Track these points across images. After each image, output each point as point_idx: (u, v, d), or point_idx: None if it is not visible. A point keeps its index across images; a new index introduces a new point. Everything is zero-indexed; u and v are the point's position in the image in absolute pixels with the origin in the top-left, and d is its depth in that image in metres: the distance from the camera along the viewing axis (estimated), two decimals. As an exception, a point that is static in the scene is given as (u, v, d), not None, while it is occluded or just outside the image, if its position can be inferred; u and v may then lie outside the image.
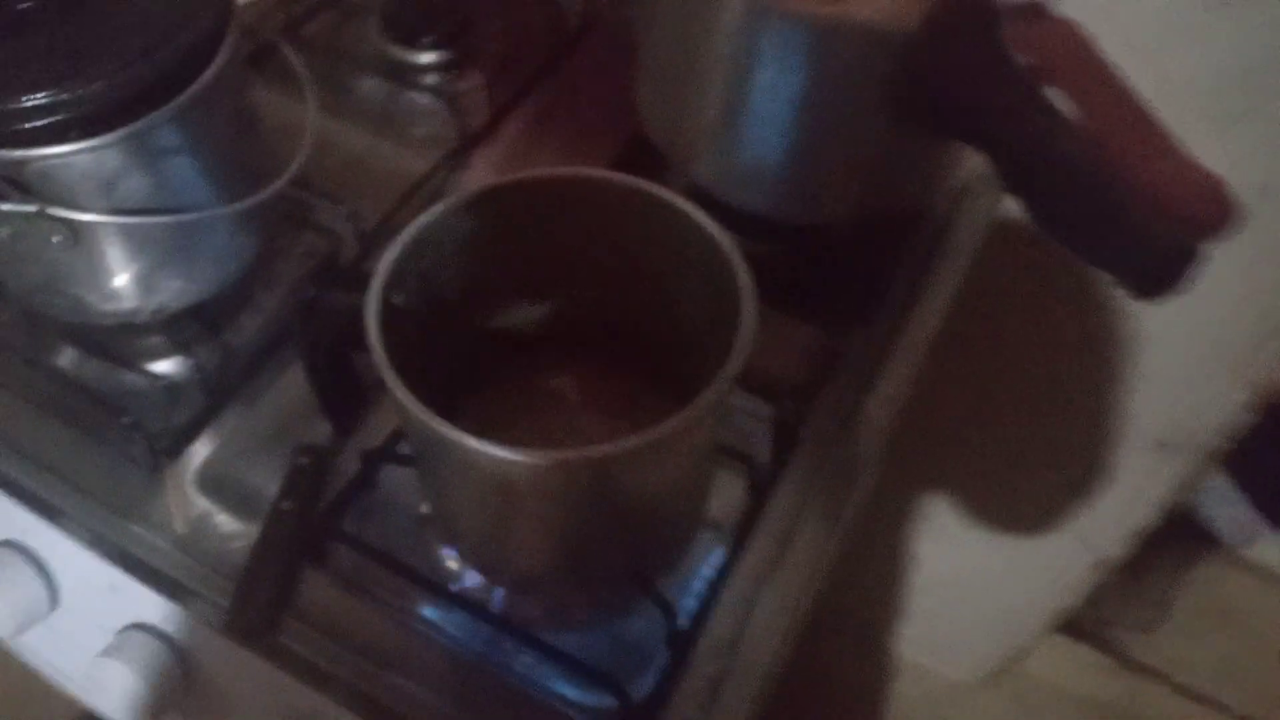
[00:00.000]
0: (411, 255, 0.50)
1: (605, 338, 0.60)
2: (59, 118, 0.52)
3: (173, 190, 0.59)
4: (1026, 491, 1.22)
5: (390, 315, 0.48)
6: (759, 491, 0.61)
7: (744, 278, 0.50)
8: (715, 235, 0.52)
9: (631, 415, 0.56)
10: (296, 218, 0.73)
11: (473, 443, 0.44)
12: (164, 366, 0.66)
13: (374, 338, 0.47)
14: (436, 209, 0.52)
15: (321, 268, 0.71)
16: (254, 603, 0.55)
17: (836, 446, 0.64)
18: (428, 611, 0.58)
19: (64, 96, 0.51)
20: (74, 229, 0.56)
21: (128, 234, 0.58)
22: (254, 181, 0.63)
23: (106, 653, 0.60)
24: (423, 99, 0.83)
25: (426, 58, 0.84)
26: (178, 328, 0.66)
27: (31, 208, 0.53)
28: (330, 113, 0.81)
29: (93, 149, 0.53)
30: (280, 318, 0.69)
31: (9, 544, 0.64)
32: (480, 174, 0.78)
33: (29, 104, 0.51)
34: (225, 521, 0.61)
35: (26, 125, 0.51)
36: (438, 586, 0.58)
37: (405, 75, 0.84)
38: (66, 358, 0.67)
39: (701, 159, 0.68)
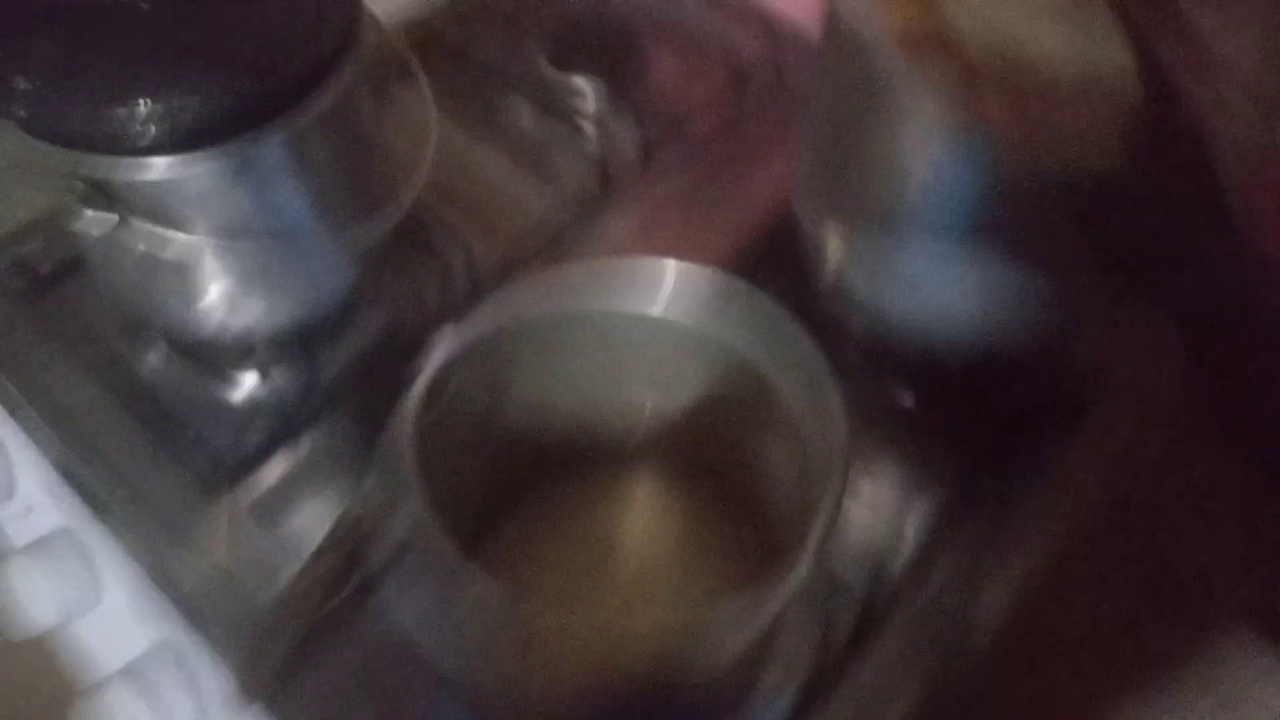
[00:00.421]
0: (452, 371, 0.45)
1: (666, 452, 0.54)
2: (151, 128, 0.49)
3: (269, 212, 0.55)
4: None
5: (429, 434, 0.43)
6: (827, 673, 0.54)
7: (840, 410, 0.43)
8: (815, 354, 0.45)
9: (692, 543, 0.50)
10: (412, 239, 0.70)
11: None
12: (248, 384, 0.63)
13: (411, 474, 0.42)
14: (481, 320, 0.46)
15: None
16: (264, 660, 0.52)
17: (937, 643, 0.56)
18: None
19: (157, 107, 0.48)
20: (160, 241, 0.53)
21: (216, 253, 0.55)
22: (363, 206, 0.60)
23: (124, 673, 0.57)
24: (570, 130, 0.78)
25: (582, 85, 0.80)
26: (266, 348, 0.63)
27: (113, 216, 0.51)
28: (470, 131, 0.78)
29: (184, 164, 0.50)
30: (374, 350, 0.65)
31: (65, 532, 0.63)
32: (615, 226, 0.73)
33: (119, 110, 0.48)
34: (270, 558, 0.58)
35: (115, 132, 0.49)
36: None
37: (557, 101, 0.80)
38: (155, 356, 0.65)
39: (856, 267, 0.61)
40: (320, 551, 0.53)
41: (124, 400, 0.62)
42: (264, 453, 0.61)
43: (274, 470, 0.61)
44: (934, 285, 0.58)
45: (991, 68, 0.48)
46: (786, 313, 0.46)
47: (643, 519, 0.54)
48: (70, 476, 0.61)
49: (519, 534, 0.52)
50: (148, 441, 0.61)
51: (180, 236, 0.53)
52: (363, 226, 0.60)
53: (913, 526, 0.59)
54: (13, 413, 0.63)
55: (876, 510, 0.59)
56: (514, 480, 0.52)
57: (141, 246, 0.53)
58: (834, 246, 0.61)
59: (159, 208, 0.52)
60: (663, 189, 0.76)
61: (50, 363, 0.63)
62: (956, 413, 0.64)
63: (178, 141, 0.50)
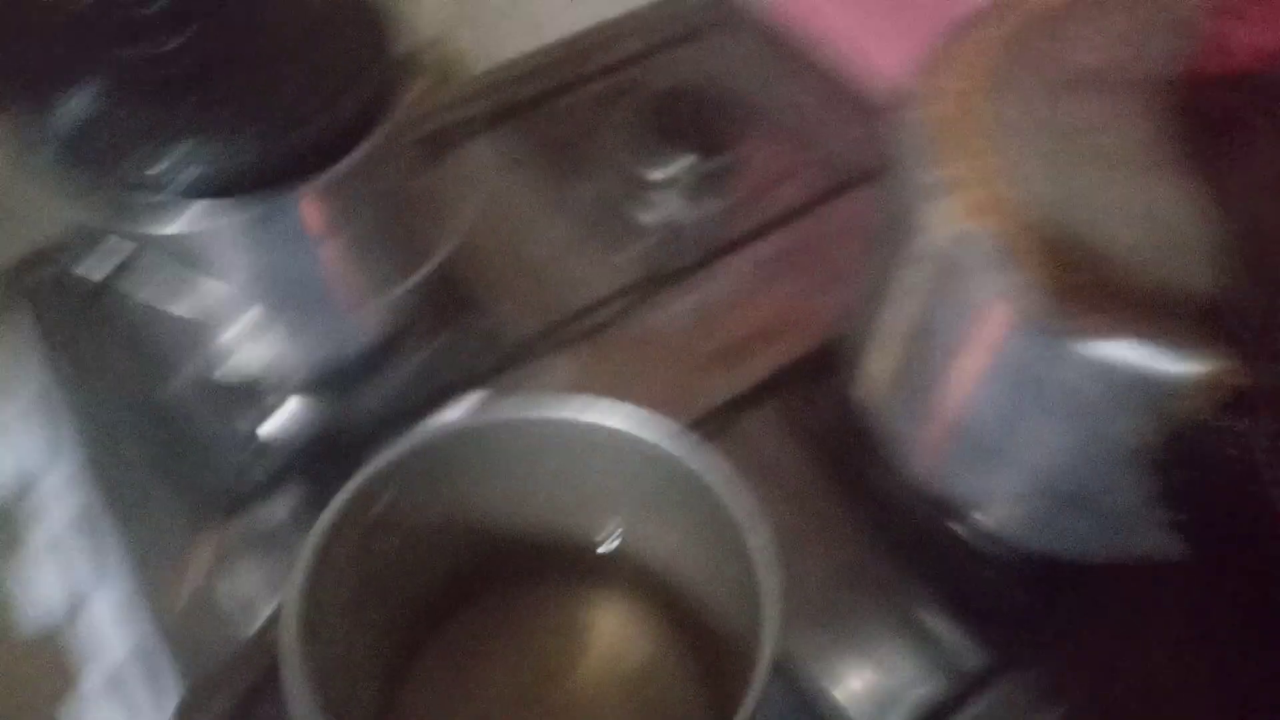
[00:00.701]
0: (386, 482, 0.45)
1: (618, 574, 0.52)
2: (180, 174, 0.50)
3: (293, 267, 0.56)
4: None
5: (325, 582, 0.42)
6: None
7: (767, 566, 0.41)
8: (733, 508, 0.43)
9: (637, 671, 0.49)
10: (453, 294, 0.70)
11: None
12: (265, 421, 0.64)
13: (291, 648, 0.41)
14: (408, 445, 0.45)
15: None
16: (207, 703, 0.53)
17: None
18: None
19: (188, 158, 0.50)
20: (181, 280, 0.55)
21: (239, 300, 0.57)
22: (393, 268, 0.60)
23: (106, 677, 0.59)
24: (643, 210, 0.77)
25: (665, 166, 0.78)
26: (286, 388, 0.64)
27: (136, 246, 0.52)
28: (541, 195, 0.78)
29: (209, 212, 0.52)
30: (394, 403, 0.66)
31: (75, 530, 0.66)
32: (666, 318, 0.72)
33: (150, 153, 0.49)
34: (248, 595, 0.59)
35: (145, 174, 0.50)
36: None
37: (635, 178, 0.79)
38: (183, 378, 0.67)
39: (925, 454, 0.58)
40: (270, 621, 0.54)
41: (148, 414, 0.65)
42: (265, 491, 0.62)
43: (272, 510, 0.62)
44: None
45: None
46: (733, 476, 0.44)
47: (589, 639, 0.53)
48: (88, 477, 0.63)
49: (455, 649, 0.51)
50: (160, 459, 0.63)
51: (202, 280, 0.54)
52: (391, 289, 0.60)
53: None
54: (49, 406, 0.66)
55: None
56: (458, 589, 0.51)
57: (163, 280, 0.55)
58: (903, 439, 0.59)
59: (183, 249, 0.54)
60: (725, 286, 0.74)
61: (88, 368, 0.66)
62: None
63: (204, 189, 0.51)
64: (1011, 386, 0.49)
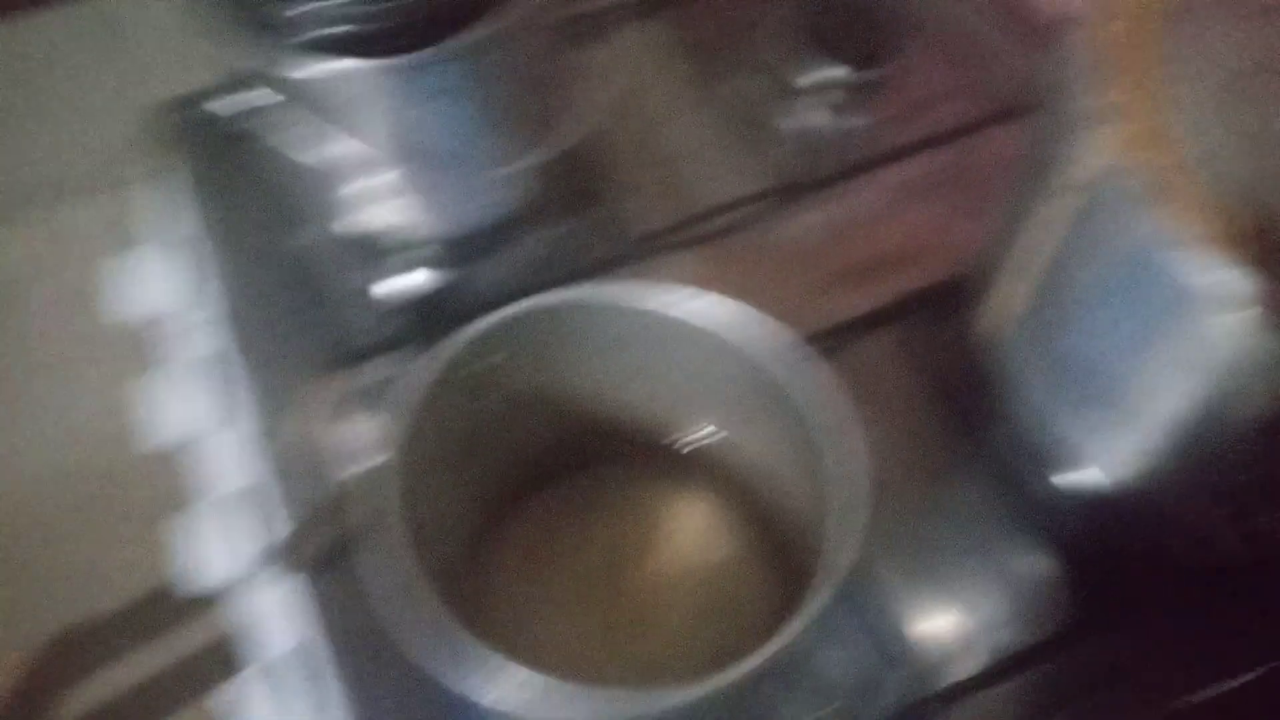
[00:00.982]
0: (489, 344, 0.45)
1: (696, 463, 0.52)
2: (328, 28, 0.51)
3: (430, 129, 0.57)
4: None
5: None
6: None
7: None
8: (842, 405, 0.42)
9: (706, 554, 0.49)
10: (588, 177, 0.70)
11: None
12: (390, 280, 0.66)
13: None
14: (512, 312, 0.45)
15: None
16: (309, 539, 0.55)
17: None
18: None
19: (334, 12, 0.50)
20: (319, 134, 0.56)
21: (373, 157, 0.57)
22: (526, 139, 0.60)
23: (214, 503, 0.62)
24: (789, 116, 0.75)
25: (820, 74, 0.76)
26: (414, 251, 0.65)
27: (279, 95, 0.53)
28: (692, 89, 0.76)
29: (352, 67, 0.52)
30: (518, 277, 0.66)
31: (209, 360, 0.69)
32: (794, 228, 0.70)
33: (299, 9, 0.50)
34: (359, 445, 0.60)
35: (286, 28, 0.51)
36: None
37: (778, 89, 0.76)
38: (320, 228, 0.68)
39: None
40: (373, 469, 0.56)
41: (283, 260, 0.67)
42: (383, 347, 0.64)
43: (387, 366, 0.63)
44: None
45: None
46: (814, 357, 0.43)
47: (668, 532, 0.53)
48: (221, 317, 0.66)
49: (539, 522, 0.52)
50: (291, 303, 0.65)
51: (339, 134, 0.55)
52: (522, 163, 0.60)
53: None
54: (198, 245, 0.69)
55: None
56: (549, 464, 0.52)
57: (303, 131, 0.56)
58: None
59: (324, 101, 0.54)
60: (861, 204, 0.72)
61: (231, 212, 0.69)
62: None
63: (348, 45, 0.51)
64: (1147, 337, 0.47)
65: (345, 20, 0.51)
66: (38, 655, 1.21)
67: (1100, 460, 0.55)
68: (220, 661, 0.68)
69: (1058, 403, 0.55)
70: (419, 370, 0.43)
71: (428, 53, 0.53)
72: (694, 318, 0.45)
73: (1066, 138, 0.47)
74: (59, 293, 1.44)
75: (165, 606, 1.21)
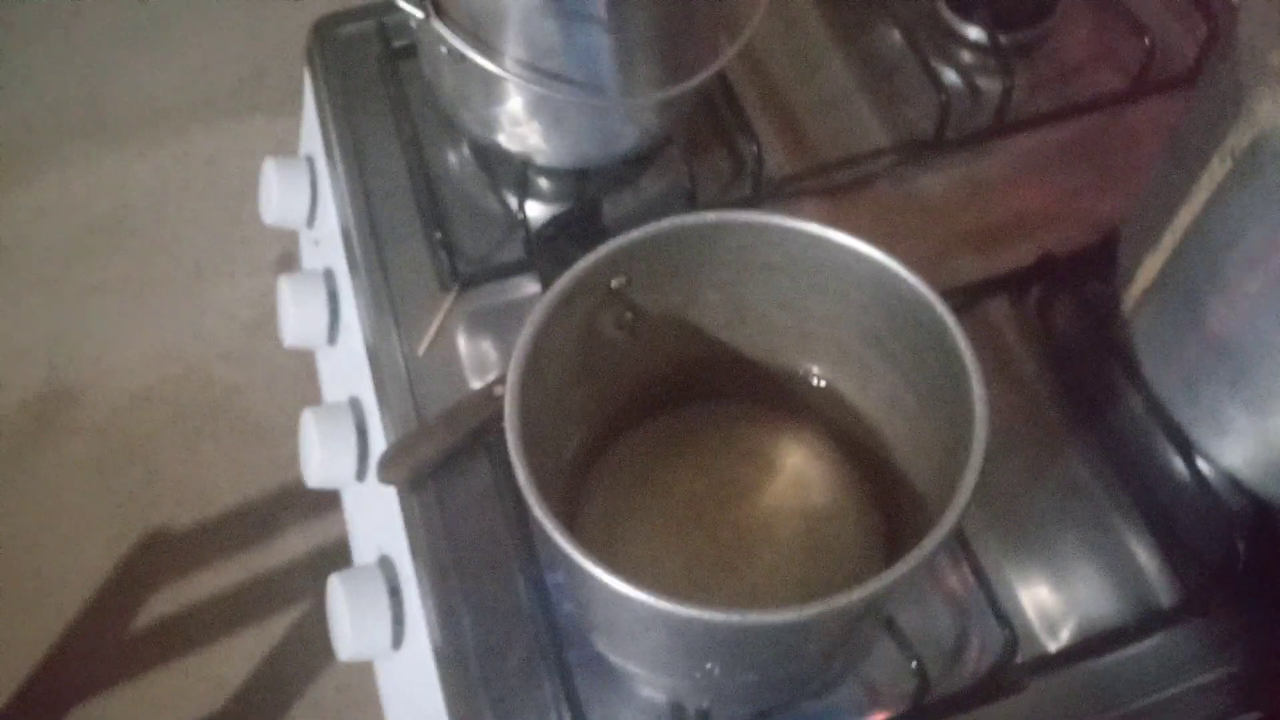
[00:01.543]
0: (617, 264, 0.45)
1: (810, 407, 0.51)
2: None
3: (572, 54, 0.56)
4: None
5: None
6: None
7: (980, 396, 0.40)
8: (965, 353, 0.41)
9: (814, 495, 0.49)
10: (720, 121, 0.69)
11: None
12: (518, 206, 0.66)
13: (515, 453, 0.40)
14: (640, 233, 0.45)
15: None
16: (408, 454, 0.56)
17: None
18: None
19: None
20: (462, 53, 0.56)
21: (513, 81, 0.57)
22: (663, 75, 0.60)
23: (316, 411, 0.64)
24: (935, 73, 0.72)
25: (971, 33, 0.73)
26: (545, 179, 0.66)
27: (419, 13, 0.54)
28: (838, 39, 0.75)
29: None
30: (644, 214, 0.66)
31: (329, 273, 0.70)
32: (927, 186, 0.68)
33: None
34: (465, 366, 0.61)
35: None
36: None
37: (937, 39, 0.74)
38: (455, 152, 0.69)
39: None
40: (498, 379, 0.56)
41: (416, 179, 0.67)
42: (505, 272, 0.64)
43: (505, 291, 0.64)
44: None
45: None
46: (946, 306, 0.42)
47: (778, 469, 0.53)
48: (363, 226, 0.67)
49: (654, 444, 0.52)
50: (415, 222, 0.66)
51: (464, 49, 0.55)
52: (658, 92, 0.60)
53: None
54: (332, 161, 0.70)
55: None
56: (667, 389, 0.52)
57: (443, 49, 0.56)
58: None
59: (469, 20, 0.55)
60: (1008, 163, 0.69)
61: (378, 126, 0.69)
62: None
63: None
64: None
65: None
66: (119, 563, 1.25)
67: (1218, 444, 0.53)
68: (321, 566, 0.70)
69: (1183, 380, 0.53)
70: (544, 295, 0.43)
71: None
72: (832, 238, 0.44)
73: (1243, 93, 0.44)
74: (202, 203, 1.49)
75: (275, 506, 1.26)
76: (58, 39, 1.63)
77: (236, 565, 1.25)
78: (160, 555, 1.26)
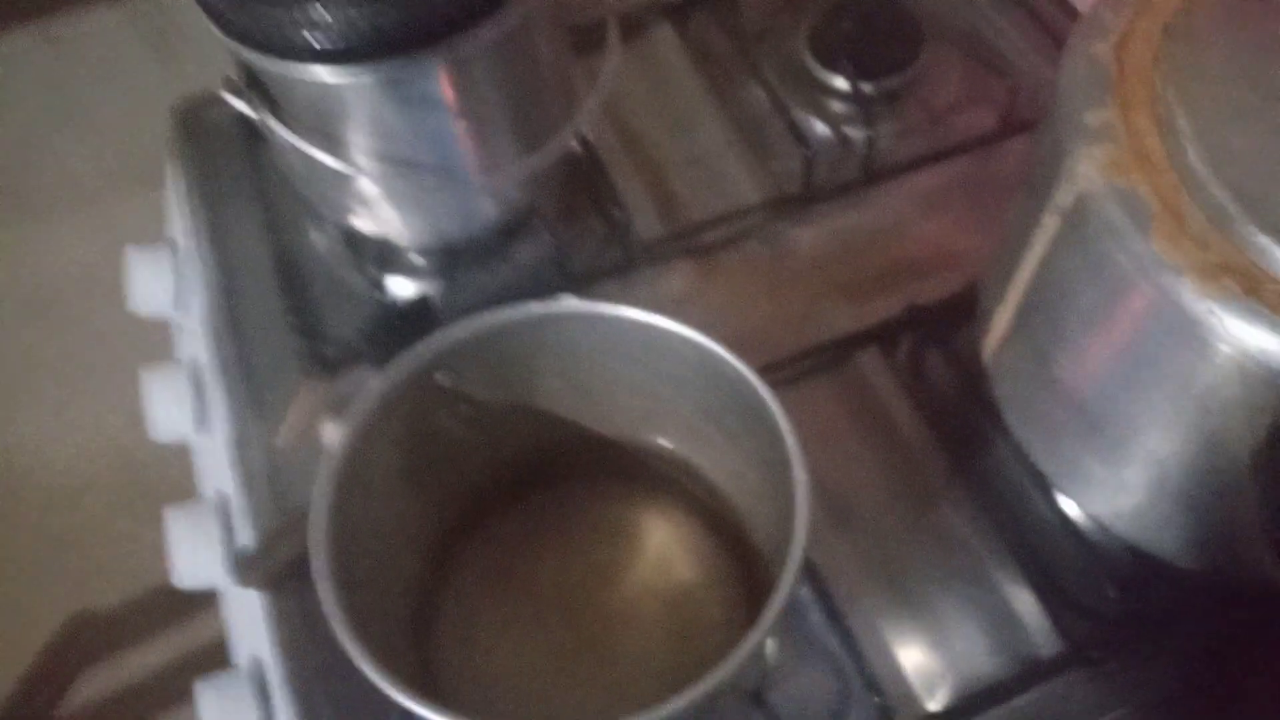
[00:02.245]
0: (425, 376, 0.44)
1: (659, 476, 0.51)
2: (312, 35, 0.50)
3: (420, 138, 0.55)
4: None
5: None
6: None
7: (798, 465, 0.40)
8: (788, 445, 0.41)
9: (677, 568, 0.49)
10: (588, 186, 0.68)
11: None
12: (387, 288, 0.65)
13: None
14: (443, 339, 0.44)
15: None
16: (265, 558, 0.55)
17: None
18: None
19: (311, 17, 0.49)
20: (306, 145, 0.55)
21: (363, 167, 0.56)
22: (518, 146, 0.59)
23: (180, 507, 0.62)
24: (811, 123, 0.73)
25: (835, 84, 0.73)
26: (410, 259, 0.65)
27: (253, 115, 0.53)
28: (701, 97, 0.75)
29: (334, 75, 0.51)
30: (514, 289, 0.65)
31: (193, 364, 0.68)
32: (799, 244, 0.68)
33: (283, 12, 0.49)
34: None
35: (278, 33, 0.50)
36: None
37: (800, 93, 0.74)
38: (320, 234, 0.68)
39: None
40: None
41: (279, 262, 0.66)
42: (376, 352, 0.63)
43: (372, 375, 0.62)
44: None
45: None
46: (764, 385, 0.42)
47: (637, 546, 0.52)
48: (219, 317, 0.65)
49: (510, 534, 0.51)
50: (279, 306, 0.65)
51: (339, 135, 0.54)
52: (513, 167, 0.59)
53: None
54: (194, 245, 0.69)
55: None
56: (515, 480, 0.51)
57: (304, 132, 0.55)
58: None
59: (309, 113, 0.54)
60: (876, 214, 0.69)
61: (242, 209, 0.68)
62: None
63: (334, 53, 0.50)
64: (1138, 365, 0.44)
65: (335, 25, 0.50)
66: (50, 643, 1.23)
67: (1082, 493, 0.53)
68: (206, 661, 0.68)
69: (1043, 431, 0.53)
70: (373, 383, 0.42)
71: (413, 59, 0.51)
72: (657, 324, 0.44)
73: (1063, 151, 0.44)
74: (88, 288, 1.47)
75: (164, 602, 1.23)
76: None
77: (167, 646, 1.23)
78: (89, 638, 1.24)
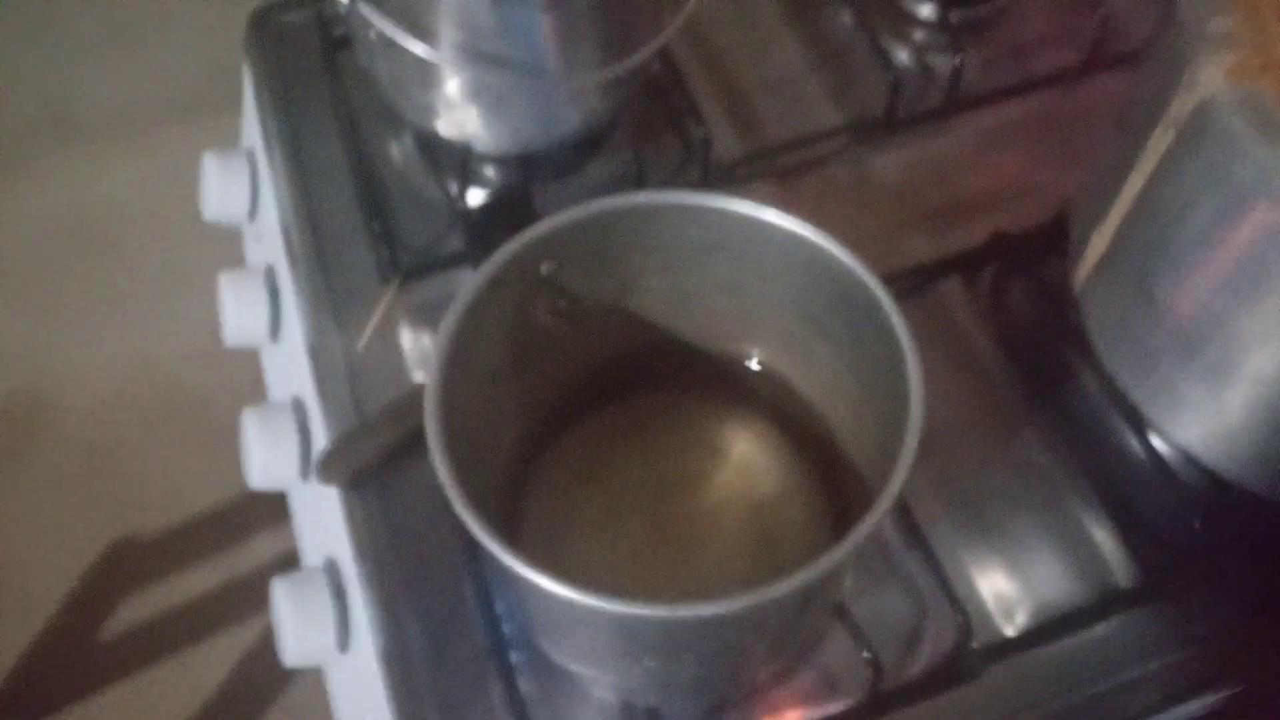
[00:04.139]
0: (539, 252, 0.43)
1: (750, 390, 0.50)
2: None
3: (507, 37, 0.55)
4: None
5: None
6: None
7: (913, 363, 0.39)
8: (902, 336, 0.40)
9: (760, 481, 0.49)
10: (666, 104, 0.67)
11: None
12: (462, 194, 0.64)
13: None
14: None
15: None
16: (347, 454, 0.55)
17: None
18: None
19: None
20: (394, 38, 0.54)
21: (449, 66, 0.56)
22: (601, 54, 0.58)
23: (256, 410, 0.62)
24: (888, 53, 0.71)
25: (921, 10, 0.72)
26: (485, 166, 0.64)
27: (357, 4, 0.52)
28: (787, 13, 0.73)
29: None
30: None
31: (270, 270, 0.69)
32: (874, 168, 0.67)
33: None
34: (406, 360, 0.60)
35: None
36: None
37: (892, 16, 0.73)
38: (398, 141, 0.67)
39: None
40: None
41: (356, 170, 0.65)
42: (447, 263, 0.63)
43: (449, 282, 0.62)
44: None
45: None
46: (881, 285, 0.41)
47: (722, 456, 0.52)
48: (300, 219, 0.65)
49: (597, 435, 0.51)
50: (356, 214, 0.64)
51: (392, 32, 0.53)
52: (599, 72, 0.58)
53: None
54: (271, 154, 0.68)
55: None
56: (606, 380, 0.51)
57: (372, 34, 0.54)
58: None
59: (400, 3, 0.53)
60: (960, 142, 0.68)
61: (318, 118, 0.67)
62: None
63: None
64: (1253, 281, 0.43)
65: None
66: (91, 567, 1.24)
67: (1173, 420, 0.52)
68: (272, 569, 0.68)
69: (1135, 358, 0.52)
70: (468, 282, 0.42)
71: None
72: (766, 219, 0.43)
73: (1182, 62, 0.43)
74: (169, 205, 1.47)
75: (245, 509, 1.25)
76: (22, 47, 1.61)
77: (208, 569, 1.23)
78: (130, 561, 1.25)
